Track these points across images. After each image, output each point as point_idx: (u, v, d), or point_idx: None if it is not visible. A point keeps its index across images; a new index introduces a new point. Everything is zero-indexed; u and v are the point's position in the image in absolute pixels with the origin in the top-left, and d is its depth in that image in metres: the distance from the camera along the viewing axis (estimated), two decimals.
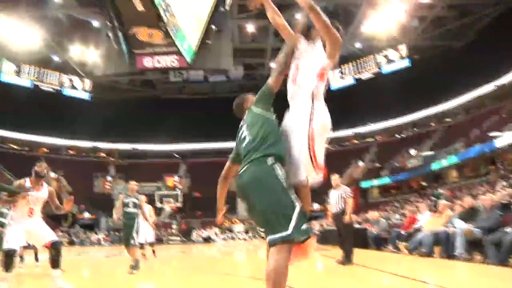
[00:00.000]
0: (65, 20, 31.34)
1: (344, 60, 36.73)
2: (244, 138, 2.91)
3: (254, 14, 28.00)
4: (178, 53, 25.18)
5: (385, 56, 36.29)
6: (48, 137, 42.88)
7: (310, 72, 2.89)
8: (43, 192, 5.65)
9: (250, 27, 33.68)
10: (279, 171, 2.66)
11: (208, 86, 42.47)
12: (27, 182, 5.52)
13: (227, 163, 3.23)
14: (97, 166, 44.45)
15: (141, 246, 10.68)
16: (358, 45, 36.30)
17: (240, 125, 3.06)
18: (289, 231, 2.48)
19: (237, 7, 29.74)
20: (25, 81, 35.57)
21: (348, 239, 8.16)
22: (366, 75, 37.62)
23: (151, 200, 20.35)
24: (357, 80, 37.97)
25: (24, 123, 37.97)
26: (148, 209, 11.03)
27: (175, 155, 47.21)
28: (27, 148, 43.14)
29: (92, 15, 29.61)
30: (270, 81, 2.99)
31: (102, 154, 46.98)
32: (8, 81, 34.76)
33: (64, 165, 41.54)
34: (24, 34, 30.41)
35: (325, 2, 29.07)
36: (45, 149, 44.36)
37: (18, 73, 35.15)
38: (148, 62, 26.22)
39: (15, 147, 42.60)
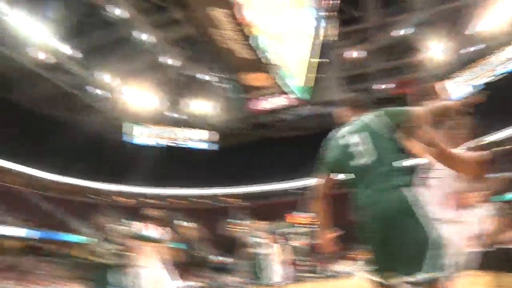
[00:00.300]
0: (180, 79, 34.22)
1: None
2: (359, 153, 2.53)
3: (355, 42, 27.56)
4: (287, 91, 25.68)
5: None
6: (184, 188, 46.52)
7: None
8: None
9: (353, 53, 33.20)
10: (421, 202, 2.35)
11: (319, 120, 42.29)
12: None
13: (319, 179, 2.74)
14: (225, 211, 46.35)
15: (271, 285, 10.55)
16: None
17: (338, 131, 2.73)
18: (438, 270, 2.18)
19: (337, 36, 29.59)
20: (152, 140, 39.43)
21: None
22: None
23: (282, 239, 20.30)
24: None
25: (157, 178, 41.86)
26: (275, 247, 10.97)
27: (294, 191, 47.37)
28: (165, 202, 47.09)
29: (203, 70, 31.76)
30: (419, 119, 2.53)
31: (227, 199, 49.08)
32: (139, 143, 38.90)
33: (196, 213, 44.25)
34: (146, 98, 34.06)
35: None
36: (184, 201, 47.98)
37: (146, 134, 39.22)
38: (260, 105, 27.12)
39: (152, 201, 46.75)
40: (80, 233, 30.04)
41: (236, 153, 41.91)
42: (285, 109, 32.95)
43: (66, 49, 26.96)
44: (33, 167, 37.08)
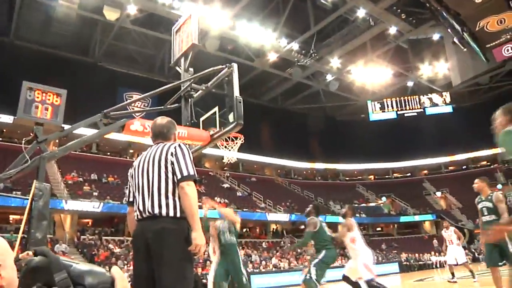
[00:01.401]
0: (407, 45, 32.48)
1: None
2: None
3: None
4: None
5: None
6: (426, 158, 44.24)
7: None
8: None
9: None
10: None
11: None
12: None
13: None
14: (482, 176, 41.75)
15: None
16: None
17: None
18: None
19: None
20: (390, 114, 38.56)
21: None
22: None
23: None
24: None
25: (397, 151, 40.99)
26: None
27: None
28: (409, 174, 45.96)
29: (429, 30, 29.45)
30: None
31: (484, 163, 44.15)
32: (376, 119, 38.64)
33: (448, 183, 41.50)
34: (377, 72, 33.58)
35: None
36: (425, 171, 46.02)
37: (382, 109, 38.63)
38: (508, 51, 23.30)
39: (398, 175, 46.17)
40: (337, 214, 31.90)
41: (482, 111, 37.26)
42: None
43: (294, 45, 29.05)
44: (284, 158, 41.33)
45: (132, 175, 3.02)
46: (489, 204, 6.08)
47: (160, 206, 2.74)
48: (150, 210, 2.76)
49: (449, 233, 12.09)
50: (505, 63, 30.23)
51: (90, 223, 25.89)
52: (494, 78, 37.99)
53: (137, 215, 2.86)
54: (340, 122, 42.95)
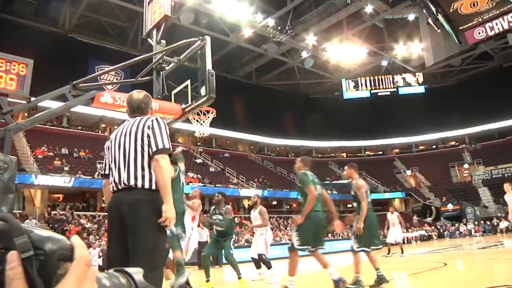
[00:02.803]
0: (383, 25, 32.66)
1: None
2: None
3: None
4: None
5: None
6: (397, 137, 45.16)
7: None
8: None
9: None
10: None
11: None
12: None
13: None
14: (450, 156, 43.11)
15: None
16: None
17: None
18: None
19: None
20: (364, 93, 38.98)
21: None
22: None
23: None
24: None
25: (369, 130, 41.73)
26: None
27: None
28: (380, 152, 46.89)
29: (405, 10, 29.67)
30: None
31: (453, 143, 45.41)
32: (350, 97, 39.02)
33: (417, 161, 42.60)
34: (352, 51, 33.75)
35: None
36: (396, 150, 47.04)
37: (356, 87, 39.00)
38: (479, 34, 23.69)
39: (369, 153, 47.05)
40: None
41: (456, 92, 38.17)
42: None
43: (270, 21, 28.80)
44: (258, 134, 41.43)
45: (108, 148, 3.04)
46: None
47: (136, 178, 2.79)
48: (126, 181, 2.80)
49: (393, 217, 13.73)
50: (476, 45, 30.71)
51: (61, 198, 25.46)
52: (465, 61, 38.79)
53: (113, 186, 2.90)
54: (314, 99, 43.21)
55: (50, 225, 19.69)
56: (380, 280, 5.80)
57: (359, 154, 46.21)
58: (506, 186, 10.11)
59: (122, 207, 2.74)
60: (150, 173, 2.79)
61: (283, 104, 40.44)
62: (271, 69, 37.47)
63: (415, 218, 33.61)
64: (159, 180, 2.73)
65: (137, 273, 0.60)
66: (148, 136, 2.83)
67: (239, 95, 35.58)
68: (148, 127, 2.85)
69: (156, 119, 2.92)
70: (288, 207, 33.80)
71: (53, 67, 22.90)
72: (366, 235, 5.87)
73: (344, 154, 46.91)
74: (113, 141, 2.99)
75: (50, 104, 10.47)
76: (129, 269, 0.60)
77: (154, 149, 2.79)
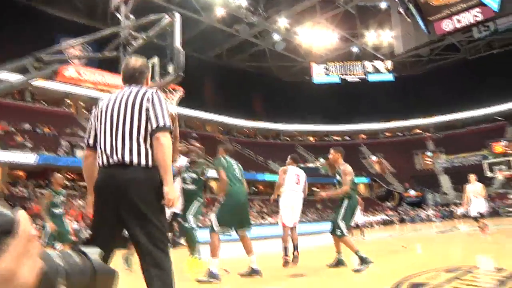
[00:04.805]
0: (355, 11, 32.88)
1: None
2: None
3: None
4: (480, 4, 22.16)
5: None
6: (365, 124, 46.02)
7: None
8: None
9: None
10: None
11: None
12: None
13: None
14: (415, 144, 44.36)
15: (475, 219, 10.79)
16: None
17: None
18: None
19: None
20: (333, 78, 39.38)
21: None
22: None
23: (477, 171, 18.80)
24: None
25: (337, 115, 42.36)
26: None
27: (498, 118, 41.97)
28: (347, 137, 47.70)
29: None
30: None
31: (418, 131, 46.71)
32: (320, 81, 39.32)
33: (383, 148, 43.62)
34: (323, 36, 33.91)
35: None
36: (363, 136, 47.97)
37: (326, 72, 39.29)
38: (447, 25, 24.19)
39: (337, 138, 47.78)
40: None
41: (424, 81, 39.12)
42: (478, 25, 28.74)
43: (243, 2, 28.52)
44: (227, 115, 41.32)
45: (97, 117, 2.77)
46: None
47: (131, 153, 2.58)
48: (120, 155, 2.58)
49: None
50: (444, 37, 31.55)
51: (24, 176, 24.68)
52: (434, 51, 39.65)
53: (103, 160, 2.65)
54: (284, 82, 43.26)
55: (10, 203, 19.13)
56: (338, 262, 6.09)
57: (326, 139, 46.86)
58: (472, 176, 10.79)
59: (119, 187, 2.52)
60: (146, 149, 2.59)
61: (253, 86, 40.37)
62: (242, 50, 37.16)
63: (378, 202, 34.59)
64: (160, 159, 2.55)
65: (93, 253, 0.59)
66: (147, 109, 2.62)
67: (209, 75, 35.23)
68: (148, 100, 2.64)
69: (157, 92, 2.71)
70: (255, 189, 34.03)
71: (16, 41, 21.95)
72: (349, 217, 6.02)
73: (312, 138, 47.47)
74: (105, 110, 2.73)
75: (9, 77, 10.05)
76: (85, 248, 0.59)
77: (155, 125, 2.59)
